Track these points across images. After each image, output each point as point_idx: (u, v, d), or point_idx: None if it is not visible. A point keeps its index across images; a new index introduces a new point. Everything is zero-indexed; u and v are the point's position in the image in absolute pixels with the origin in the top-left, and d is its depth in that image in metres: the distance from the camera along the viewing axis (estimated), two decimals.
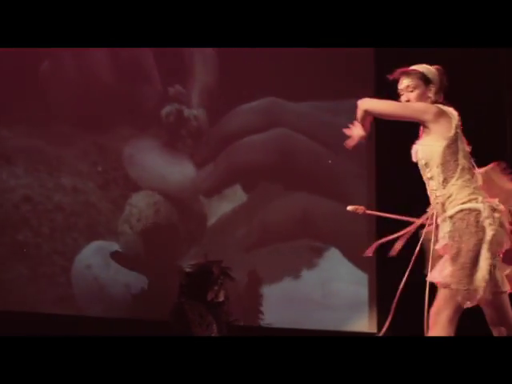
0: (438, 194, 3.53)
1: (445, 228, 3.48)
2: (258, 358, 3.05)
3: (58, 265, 6.08)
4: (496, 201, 3.50)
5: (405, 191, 6.38)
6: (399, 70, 3.70)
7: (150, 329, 5.72)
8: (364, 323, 7.20)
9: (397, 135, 5.04)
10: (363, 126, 3.62)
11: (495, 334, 3.52)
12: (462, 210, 3.42)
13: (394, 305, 3.58)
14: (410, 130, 3.69)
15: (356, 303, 7.22)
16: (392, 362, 2.98)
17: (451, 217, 3.45)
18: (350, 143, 3.64)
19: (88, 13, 3.93)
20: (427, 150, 3.55)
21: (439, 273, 3.44)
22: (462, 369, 2.95)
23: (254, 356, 3.07)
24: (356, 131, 3.62)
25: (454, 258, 3.39)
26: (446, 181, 3.50)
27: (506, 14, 3.89)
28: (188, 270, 5.95)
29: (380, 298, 7.11)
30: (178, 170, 6.73)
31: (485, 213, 3.40)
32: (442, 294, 3.39)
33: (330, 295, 7.08)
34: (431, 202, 3.59)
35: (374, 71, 7.47)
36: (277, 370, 2.98)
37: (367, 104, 3.61)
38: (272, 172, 7.12)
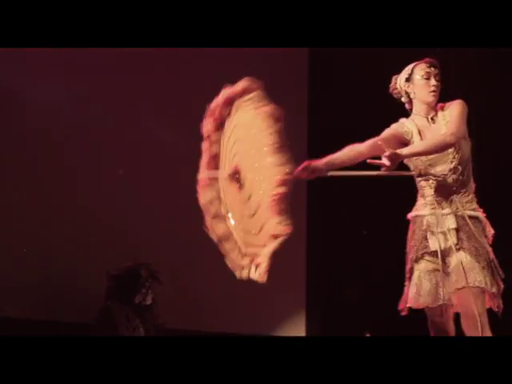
0: None
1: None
2: (187, 359, 3.03)
3: None
4: None
5: None
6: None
7: (74, 330, 5.60)
8: (292, 327, 7.23)
9: None
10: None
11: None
12: None
13: None
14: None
15: (285, 306, 7.25)
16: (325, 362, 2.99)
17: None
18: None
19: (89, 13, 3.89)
20: None
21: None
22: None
23: (182, 356, 3.05)
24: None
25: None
26: None
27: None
28: (115, 272, 5.85)
29: (308, 302, 7.19)
30: None
31: None
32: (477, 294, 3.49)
33: (262, 299, 7.09)
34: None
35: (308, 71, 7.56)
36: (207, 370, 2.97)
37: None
38: None
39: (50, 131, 6.35)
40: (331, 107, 7.38)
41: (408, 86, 3.88)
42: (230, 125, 3.55)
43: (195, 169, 3.62)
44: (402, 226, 3.91)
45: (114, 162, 6.62)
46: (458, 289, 3.55)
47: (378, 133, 3.84)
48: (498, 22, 3.79)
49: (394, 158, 3.48)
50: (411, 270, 3.72)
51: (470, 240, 3.63)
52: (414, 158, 3.75)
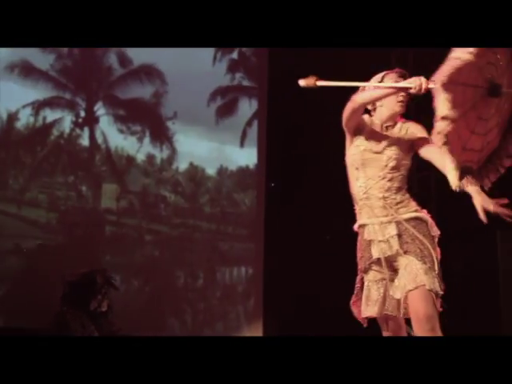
0: None
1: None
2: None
3: None
4: None
5: None
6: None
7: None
8: (250, 328, 7.28)
9: None
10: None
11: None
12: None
13: None
14: None
15: (244, 309, 7.30)
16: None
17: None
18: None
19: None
20: None
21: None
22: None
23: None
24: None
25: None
26: None
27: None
28: (71, 278, 5.82)
29: (266, 304, 7.25)
30: None
31: None
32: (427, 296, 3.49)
33: (221, 302, 7.14)
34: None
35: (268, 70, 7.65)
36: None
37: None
38: None
39: None
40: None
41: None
42: None
43: None
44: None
45: None
46: (409, 291, 3.54)
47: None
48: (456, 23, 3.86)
49: None
50: (362, 281, 3.76)
51: (414, 242, 3.65)
52: (352, 153, 3.84)
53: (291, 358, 3.09)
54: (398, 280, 3.62)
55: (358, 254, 3.80)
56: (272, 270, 7.56)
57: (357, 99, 3.72)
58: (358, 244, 3.81)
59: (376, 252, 3.67)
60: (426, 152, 3.84)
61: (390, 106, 3.86)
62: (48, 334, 5.39)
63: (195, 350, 3.19)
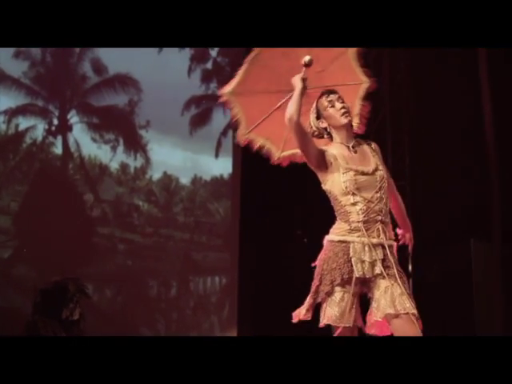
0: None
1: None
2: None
3: None
4: None
5: None
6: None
7: None
8: (225, 327, 7.27)
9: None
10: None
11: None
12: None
13: None
14: None
15: (218, 319, 7.28)
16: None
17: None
18: None
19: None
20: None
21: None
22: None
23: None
24: None
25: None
26: None
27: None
28: (43, 286, 5.76)
29: (240, 314, 7.23)
30: None
31: None
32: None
33: (194, 312, 7.12)
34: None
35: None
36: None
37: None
38: None
39: None
40: None
41: (322, 122, 3.94)
42: None
43: None
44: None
45: None
46: (391, 315, 3.61)
47: None
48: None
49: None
50: (331, 291, 3.74)
51: (394, 267, 3.73)
52: (342, 174, 3.84)
53: (264, 359, 3.08)
54: (377, 302, 3.68)
55: (331, 265, 3.77)
56: (246, 280, 7.54)
57: (289, 116, 3.74)
58: (332, 255, 3.79)
59: (359, 271, 3.69)
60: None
61: (336, 123, 3.92)
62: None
63: (167, 351, 3.16)
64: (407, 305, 3.60)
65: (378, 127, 8.08)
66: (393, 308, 3.59)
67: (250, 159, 7.98)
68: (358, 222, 3.76)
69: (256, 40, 3.98)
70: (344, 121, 3.88)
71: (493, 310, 6.47)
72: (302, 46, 3.93)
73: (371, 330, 3.76)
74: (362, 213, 3.76)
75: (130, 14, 3.85)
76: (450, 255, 6.68)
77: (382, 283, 3.69)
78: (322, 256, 3.84)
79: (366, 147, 3.98)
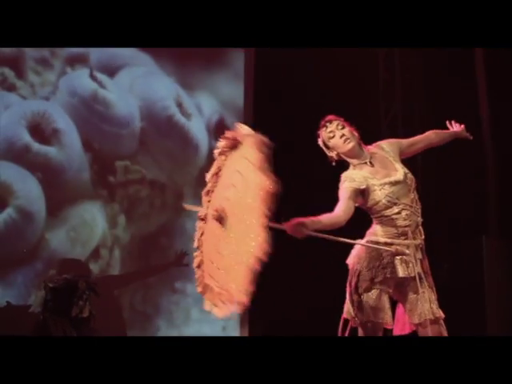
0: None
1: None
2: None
3: None
4: None
5: None
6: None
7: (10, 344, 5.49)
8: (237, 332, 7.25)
9: None
10: None
11: None
12: None
13: None
14: None
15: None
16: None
17: None
18: None
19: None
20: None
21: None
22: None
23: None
24: None
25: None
26: None
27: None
28: (53, 284, 5.77)
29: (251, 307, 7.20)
30: None
31: None
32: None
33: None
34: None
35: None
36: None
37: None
38: None
39: None
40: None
41: (332, 151, 4.11)
42: (237, 154, 3.60)
43: None
44: None
45: None
46: (431, 320, 3.81)
47: None
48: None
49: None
50: (369, 287, 3.85)
51: (428, 271, 3.96)
52: (380, 191, 3.93)
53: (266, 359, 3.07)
54: (412, 305, 3.86)
55: (374, 264, 3.87)
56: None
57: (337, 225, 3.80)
58: (376, 255, 3.88)
59: (404, 271, 3.84)
60: (416, 144, 4.25)
61: (342, 150, 4.06)
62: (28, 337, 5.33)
63: (178, 350, 3.15)
64: (439, 310, 3.86)
65: (390, 124, 8.05)
66: (431, 314, 3.80)
67: None
68: (405, 226, 3.90)
69: (255, 40, 3.99)
70: (347, 147, 4.02)
71: (505, 308, 6.43)
72: (301, 47, 3.96)
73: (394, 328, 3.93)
74: (408, 217, 3.90)
75: (129, 14, 3.84)
76: (461, 252, 6.65)
77: (419, 287, 3.84)
78: (361, 255, 3.93)
79: (380, 153, 4.10)
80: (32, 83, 6.58)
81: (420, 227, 3.95)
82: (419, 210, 3.96)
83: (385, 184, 3.90)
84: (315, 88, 7.23)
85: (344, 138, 4.00)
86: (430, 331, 3.74)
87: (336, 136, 4.01)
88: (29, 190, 6.38)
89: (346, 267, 4.01)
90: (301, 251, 7.18)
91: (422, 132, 4.35)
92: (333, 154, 4.07)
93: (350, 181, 3.95)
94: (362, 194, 3.95)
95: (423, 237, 3.96)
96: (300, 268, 7.27)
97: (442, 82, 7.57)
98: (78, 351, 3.20)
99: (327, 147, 4.09)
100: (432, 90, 7.76)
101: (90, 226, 6.69)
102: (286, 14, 3.91)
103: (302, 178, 7.07)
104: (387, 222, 3.90)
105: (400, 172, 3.96)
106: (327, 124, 4.06)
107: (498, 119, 7.17)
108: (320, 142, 4.13)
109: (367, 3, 3.98)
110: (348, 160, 4.08)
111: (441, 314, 3.85)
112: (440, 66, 7.59)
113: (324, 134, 4.08)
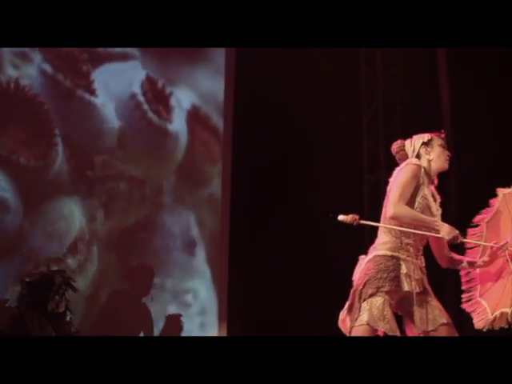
0: None
1: None
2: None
3: None
4: None
5: None
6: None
7: None
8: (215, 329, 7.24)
9: None
10: None
11: None
12: None
13: None
14: None
15: (207, 311, 7.25)
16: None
17: None
18: None
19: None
20: None
21: None
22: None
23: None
24: None
25: None
26: None
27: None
28: (29, 279, 5.74)
29: (230, 304, 7.18)
30: None
31: None
32: None
33: (184, 305, 7.09)
34: None
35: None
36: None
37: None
38: None
39: None
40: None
41: (425, 149, 4.21)
42: None
43: None
44: None
45: None
46: (445, 323, 3.99)
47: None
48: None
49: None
50: (375, 293, 3.92)
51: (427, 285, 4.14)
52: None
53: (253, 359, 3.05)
54: (422, 313, 3.98)
55: (382, 274, 3.95)
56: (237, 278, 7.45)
57: (401, 219, 3.98)
58: (385, 268, 3.97)
59: (408, 286, 3.95)
60: None
61: (439, 163, 4.22)
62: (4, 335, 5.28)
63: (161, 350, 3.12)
64: (447, 315, 4.05)
65: (370, 120, 8.05)
66: (444, 318, 3.98)
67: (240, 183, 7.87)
68: (408, 244, 4.03)
69: (253, 40, 4.00)
70: (446, 166, 4.22)
71: None
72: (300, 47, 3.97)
73: None
74: (413, 234, 4.01)
75: (129, 14, 3.83)
76: None
77: (423, 298, 4.01)
78: (370, 266, 4.00)
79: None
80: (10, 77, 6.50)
81: (422, 257, 4.14)
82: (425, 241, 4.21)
83: (427, 194, 4.15)
84: (296, 84, 7.21)
85: (449, 157, 4.18)
86: (444, 335, 3.90)
87: (445, 151, 4.18)
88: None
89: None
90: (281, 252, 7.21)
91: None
92: (422, 151, 4.18)
93: (419, 166, 4.14)
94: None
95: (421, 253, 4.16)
96: (281, 268, 7.25)
97: (423, 80, 7.59)
98: (55, 350, 3.16)
99: (428, 144, 4.20)
100: (413, 88, 7.77)
101: (68, 221, 6.62)
102: (267, 14, 3.90)
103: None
104: (393, 231, 4.07)
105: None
106: (444, 140, 4.23)
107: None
108: (425, 138, 4.21)
109: (347, 2, 3.99)
110: (427, 175, 4.17)
111: (449, 318, 4.01)
112: (421, 63, 7.60)
113: (438, 140, 4.21)
